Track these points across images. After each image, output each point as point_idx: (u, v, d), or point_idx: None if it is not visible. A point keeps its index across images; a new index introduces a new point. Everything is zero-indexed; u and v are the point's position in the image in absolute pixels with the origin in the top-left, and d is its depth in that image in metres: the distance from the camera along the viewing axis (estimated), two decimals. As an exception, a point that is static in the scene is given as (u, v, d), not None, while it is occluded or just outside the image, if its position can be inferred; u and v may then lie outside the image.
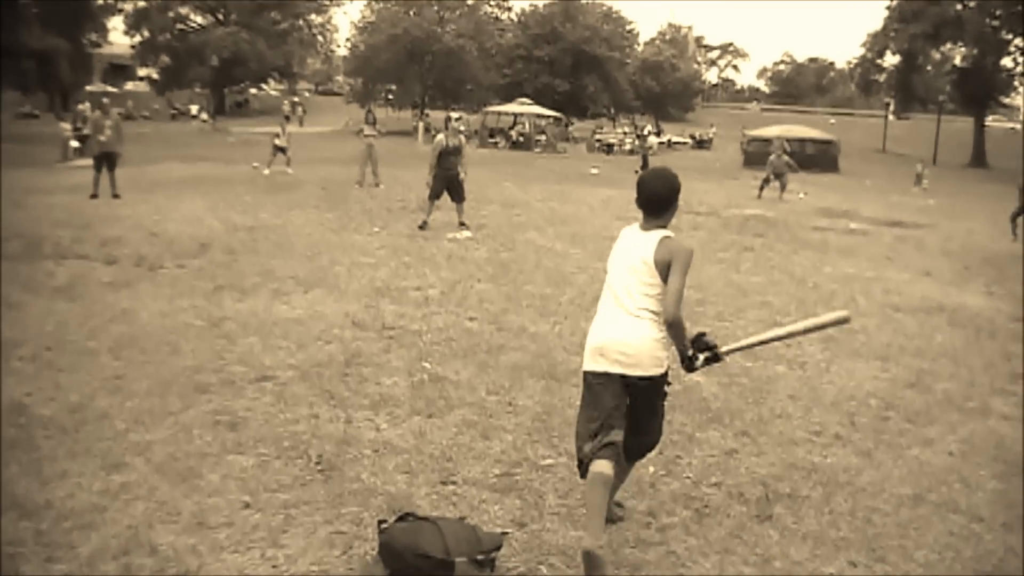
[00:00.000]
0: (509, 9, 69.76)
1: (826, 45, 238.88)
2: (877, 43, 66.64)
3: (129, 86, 75.33)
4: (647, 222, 4.35)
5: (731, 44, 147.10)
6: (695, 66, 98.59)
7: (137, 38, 67.02)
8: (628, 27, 72.71)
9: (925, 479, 5.50)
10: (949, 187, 37.97)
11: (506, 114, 54.59)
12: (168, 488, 4.75)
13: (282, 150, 25.11)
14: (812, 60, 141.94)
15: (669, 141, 57.86)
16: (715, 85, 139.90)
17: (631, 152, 49.67)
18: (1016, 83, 65.71)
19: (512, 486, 5.01)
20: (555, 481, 5.11)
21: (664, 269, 4.17)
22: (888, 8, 64.00)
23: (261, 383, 6.57)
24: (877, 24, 66.35)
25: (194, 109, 64.34)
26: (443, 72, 61.17)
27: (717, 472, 5.42)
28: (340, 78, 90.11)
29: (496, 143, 50.11)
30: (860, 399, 7.05)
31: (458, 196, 14.77)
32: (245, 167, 25.84)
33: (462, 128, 15.62)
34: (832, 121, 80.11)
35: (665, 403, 4.52)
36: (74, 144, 29.24)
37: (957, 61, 64.55)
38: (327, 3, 72.59)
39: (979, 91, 61.67)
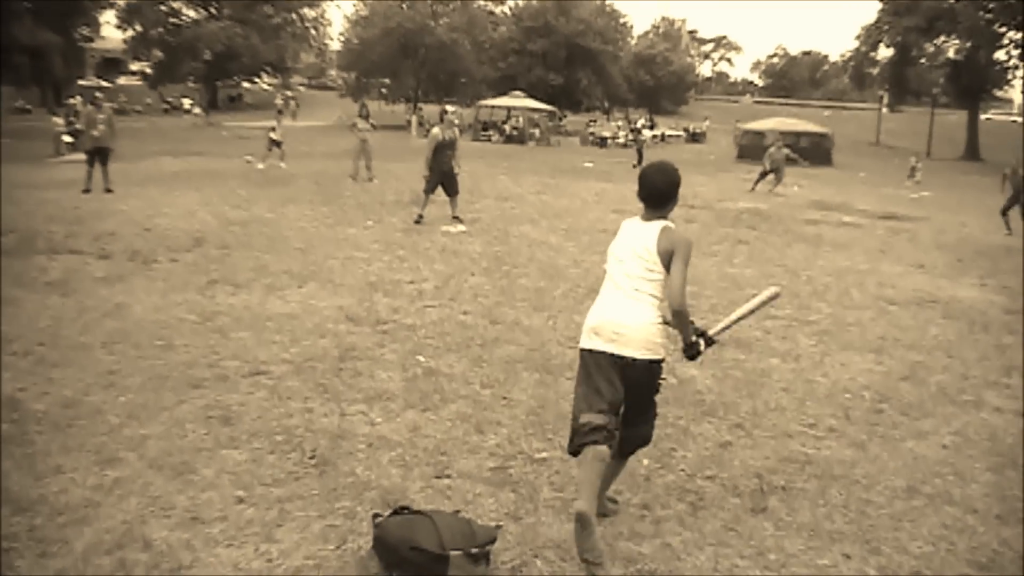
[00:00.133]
0: (503, 2, 69.76)
1: (820, 38, 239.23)
2: (871, 36, 66.67)
3: (122, 80, 75.14)
4: (648, 213, 4.47)
5: (724, 37, 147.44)
6: (688, 59, 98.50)
7: (130, 32, 66.72)
8: (621, 20, 72.71)
9: (919, 471, 5.51)
10: (942, 180, 38.04)
11: (500, 108, 54.47)
12: (162, 483, 4.74)
13: (277, 144, 25.06)
14: (806, 53, 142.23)
15: (663, 134, 57.89)
16: (708, 78, 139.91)
17: (625, 145, 49.72)
18: (1009, 76, 65.76)
19: (506, 479, 5.01)
20: (549, 474, 5.11)
21: (666, 257, 4.28)
22: (882, 1, 64.01)
23: (255, 377, 6.56)
24: (871, 17, 66.44)
25: (187, 103, 64.25)
26: (436, 66, 61.05)
27: (712, 465, 5.42)
28: (333, 72, 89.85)
29: (490, 137, 50.06)
30: (854, 392, 7.06)
31: (452, 190, 14.76)
32: (238, 161, 25.78)
33: (456, 122, 15.60)
34: (826, 114, 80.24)
35: (657, 397, 4.55)
36: (67, 139, 29.18)
37: (951, 54, 64.56)
38: (320, -3, 72.52)
39: (973, 84, 61.74)
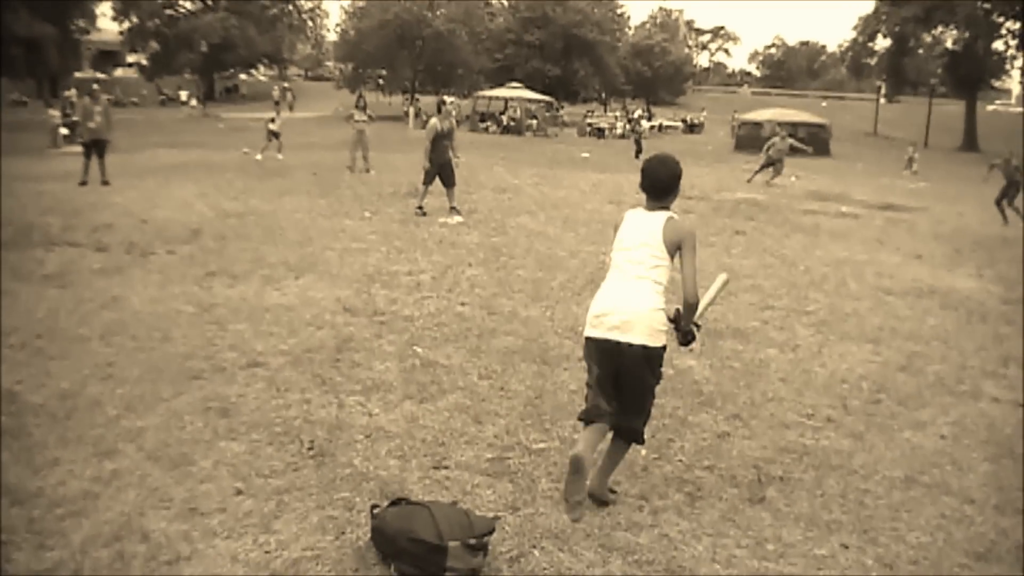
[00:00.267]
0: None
1: (817, 28, 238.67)
2: (868, 26, 66.56)
3: (118, 72, 74.88)
4: (651, 204, 4.64)
5: (722, 28, 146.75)
6: (686, 50, 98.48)
7: (126, 24, 66.49)
8: (619, 11, 72.63)
9: (917, 461, 5.52)
10: (940, 170, 38.03)
11: (497, 99, 54.38)
12: (160, 475, 4.74)
13: (275, 135, 25.04)
14: (803, 43, 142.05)
15: (660, 125, 57.83)
16: (706, 69, 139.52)
17: (622, 136, 49.70)
18: (1007, 66, 65.69)
19: (504, 470, 5.01)
20: (547, 465, 5.11)
21: (672, 248, 4.47)
22: (879, -9, 63.96)
23: (252, 369, 6.55)
24: (868, 7, 66.58)
25: (183, 95, 63.99)
26: (433, 57, 60.86)
27: (709, 455, 5.43)
28: (330, 63, 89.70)
29: (487, 128, 49.98)
30: (852, 382, 7.07)
31: (449, 181, 14.74)
32: (235, 153, 25.75)
33: (454, 112, 15.57)
34: (823, 104, 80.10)
35: (655, 389, 4.66)
36: (63, 131, 29.10)
37: (948, 44, 64.42)
38: (317, -12, 72.35)
39: (970, 74, 61.60)
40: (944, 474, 5.35)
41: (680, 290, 4.49)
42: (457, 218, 14.33)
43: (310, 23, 75.60)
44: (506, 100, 53.37)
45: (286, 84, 68.47)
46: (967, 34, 60.83)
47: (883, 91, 72.85)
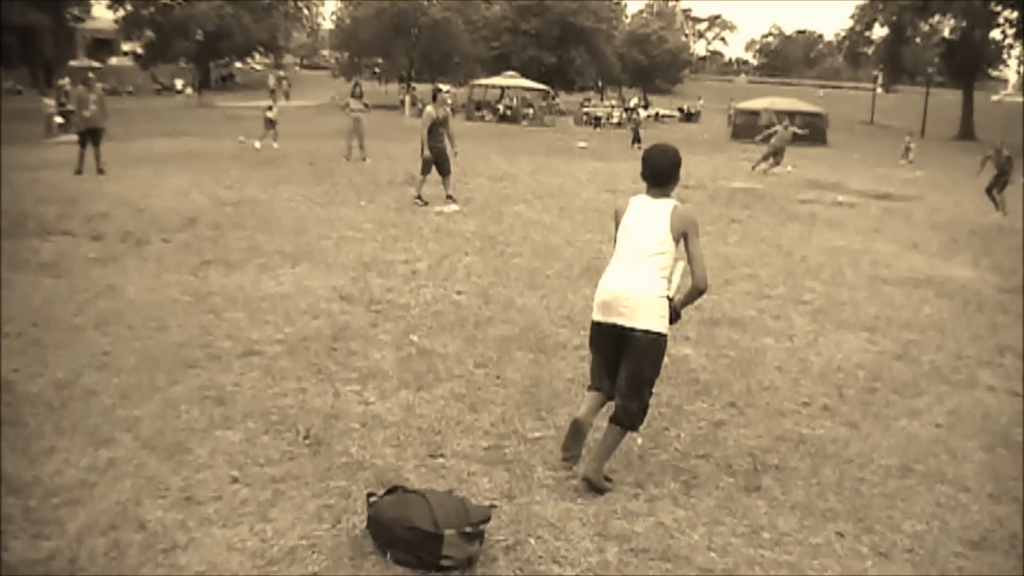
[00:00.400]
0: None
1: (814, 17, 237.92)
2: (865, 15, 66.53)
3: (113, 61, 74.59)
4: (653, 192, 4.77)
5: (719, 16, 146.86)
6: (683, 38, 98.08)
7: (120, 12, 66.18)
8: (615, -1, 72.40)
9: (912, 450, 5.53)
10: (937, 160, 38.01)
11: (493, 87, 54.33)
12: (156, 463, 4.73)
13: (272, 123, 24.99)
14: (800, 32, 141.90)
15: (657, 114, 57.72)
16: (703, 58, 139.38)
17: (619, 125, 49.62)
18: (1004, 55, 65.65)
19: (500, 459, 5.01)
20: (543, 453, 5.11)
21: (677, 235, 4.60)
22: (876, -20, 63.88)
23: (248, 358, 6.55)
24: (865, -4, 66.27)
25: (179, 84, 63.84)
26: (430, 45, 60.69)
27: (705, 444, 5.43)
28: (326, 52, 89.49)
29: (483, 116, 49.95)
30: (848, 371, 7.08)
31: (445, 169, 14.72)
32: (231, 142, 25.67)
33: (449, 101, 15.54)
34: (820, 94, 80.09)
35: (654, 380, 4.74)
36: (58, 120, 29.00)
37: (945, 33, 64.42)
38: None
39: (967, 63, 61.57)
40: (939, 463, 5.36)
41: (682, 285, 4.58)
42: (453, 206, 14.32)
43: (306, 11, 75.32)
44: (502, 89, 53.32)
45: (282, 73, 68.14)
46: (964, 23, 60.85)
47: (880, 80, 72.78)
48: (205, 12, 62.91)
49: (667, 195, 4.75)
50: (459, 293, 8.85)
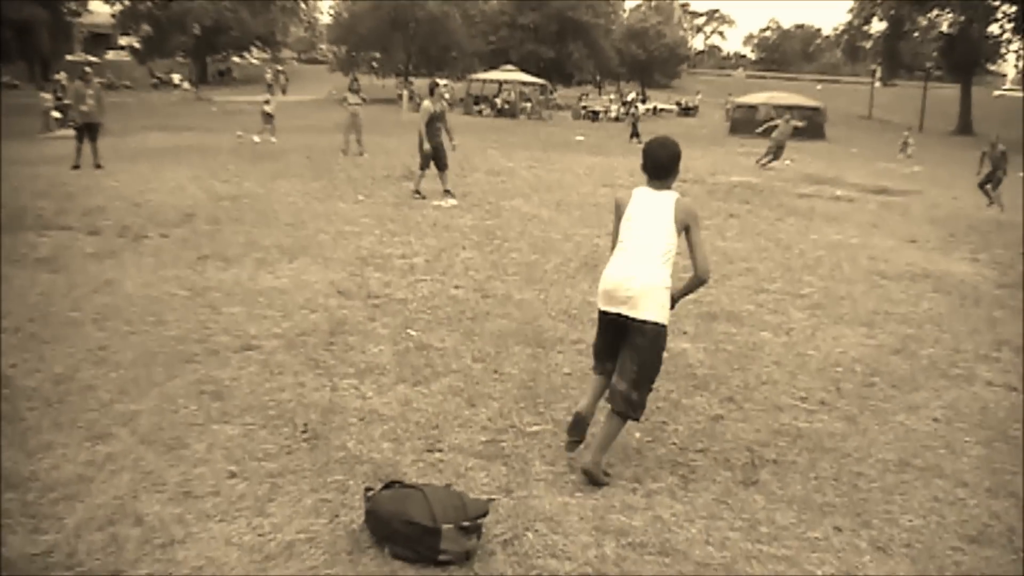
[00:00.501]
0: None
1: (813, 11, 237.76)
2: (864, 9, 66.46)
3: (110, 55, 74.38)
4: (654, 184, 4.83)
5: (717, 11, 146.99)
6: (681, 33, 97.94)
7: (117, 6, 65.95)
8: (614, -7, 72.23)
9: (910, 445, 5.54)
10: (935, 154, 38.04)
11: (491, 81, 54.23)
12: (154, 458, 4.73)
13: (270, 117, 24.97)
14: (798, 27, 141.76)
15: (655, 108, 57.70)
16: (701, 52, 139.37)
17: (616, 119, 49.61)
18: (1003, 49, 65.63)
19: (498, 453, 5.01)
20: (541, 448, 5.11)
21: (680, 227, 4.67)
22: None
23: (246, 352, 6.54)
24: (863, -9, 66.21)
25: (176, 78, 63.76)
26: (427, 39, 60.59)
27: (703, 438, 5.43)
28: (323, 46, 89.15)
29: (481, 111, 49.94)
30: (845, 365, 7.08)
31: (442, 164, 14.70)
32: (228, 136, 25.65)
33: (447, 95, 15.52)
34: (818, 88, 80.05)
35: (654, 373, 4.76)
36: (55, 115, 28.96)
37: (944, 27, 64.39)
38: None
39: (966, 58, 61.57)
40: (937, 457, 5.37)
41: (680, 280, 4.58)
42: (451, 201, 14.31)
43: (303, 5, 75.12)
44: (500, 83, 53.23)
45: (279, 67, 68.07)
46: (962, 17, 60.79)
47: (878, 74, 72.80)
48: (202, 6, 62.67)
49: (668, 187, 4.81)
50: (457, 287, 8.85)
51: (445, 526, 3.83)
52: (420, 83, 52.15)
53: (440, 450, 5.01)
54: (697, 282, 4.81)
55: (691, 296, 4.99)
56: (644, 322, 4.58)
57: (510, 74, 52.22)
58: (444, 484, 4.46)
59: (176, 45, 65.59)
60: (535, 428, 5.40)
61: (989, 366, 7.33)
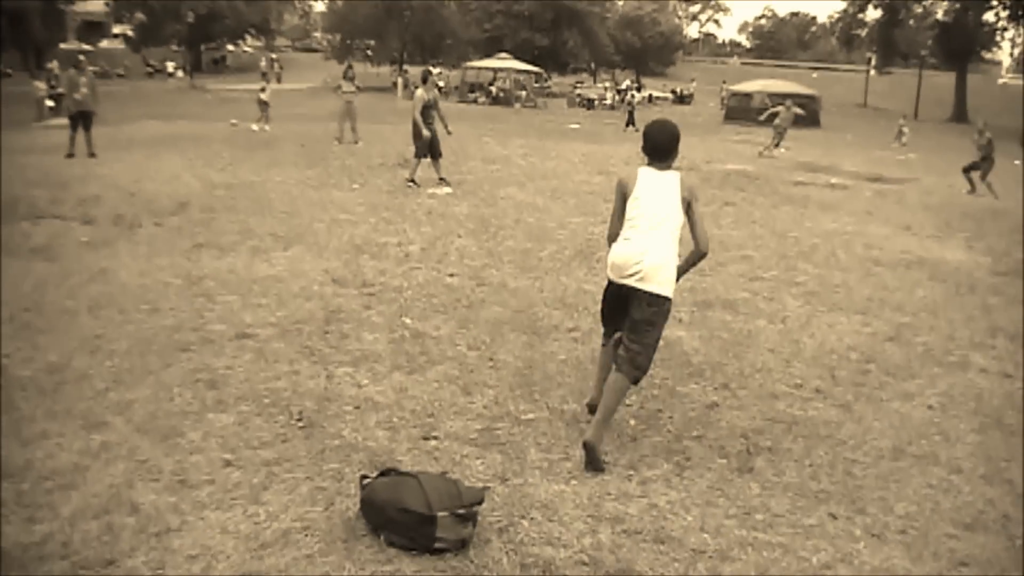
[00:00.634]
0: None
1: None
2: (859, -3, 66.41)
3: (104, 44, 74.16)
4: (656, 165, 4.99)
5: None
6: (676, 21, 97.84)
7: (111, -6, 65.97)
8: (609, -19, 72.09)
9: (905, 432, 5.55)
10: (930, 142, 38.04)
11: (486, 69, 54.13)
12: (149, 447, 4.72)
13: (265, 105, 24.91)
14: (794, 14, 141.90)
15: (650, 96, 57.63)
16: (696, 40, 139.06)
17: (612, 107, 49.55)
18: (997, 37, 65.62)
19: (493, 441, 5.02)
20: (536, 435, 5.12)
21: (685, 204, 4.88)
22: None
23: (241, 341, 6.53)
24: (859, -21, 66.14)
25: (170, 67, 63.55)
26: (422, 27, 60.46)
27: (698, 426, 5.44)
28: (318, 34, 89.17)
29: (476, 98, 49.82)
30: (840, 353, 7.09)
31: (436, 152, 14.67)
32: (223, 125, 25.57)
33: (441, 83, 15.48)
34: (813, 76, 79.87)
35: (657, 340, 4.92)
36: (49, 103, 28.86)
37: (939, 15, 64.39)
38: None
39: (961, 45, 61.56)
40: (932, 444, 5.38)
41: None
42: (446, 189, 14.28)
43: (297, -7, 75.01)
44: (495, 71, 53.11)
45: (273, 55, 67.92)
46: (957, 5, 60.78)
47: (873, 62, 72.70)
48: (197, -6, 62.58)
49: (669, 167, 4.98)
50: (452, 275, 8.84)
51: (440, 514, 3.83)
52: (415, 71, 52.10)
53: (435, 438, 5.02)
54: (698, 255, 4.99)
55: (686, 284, 5.02)
56: (655, 296, 4.76)
57: (505, 62, 52.10)
58: (439, 472, 4.46)
59: (170, 33, 65.48)
60: (530, 416, 5.40)
61: (984, 353, 7.35)
